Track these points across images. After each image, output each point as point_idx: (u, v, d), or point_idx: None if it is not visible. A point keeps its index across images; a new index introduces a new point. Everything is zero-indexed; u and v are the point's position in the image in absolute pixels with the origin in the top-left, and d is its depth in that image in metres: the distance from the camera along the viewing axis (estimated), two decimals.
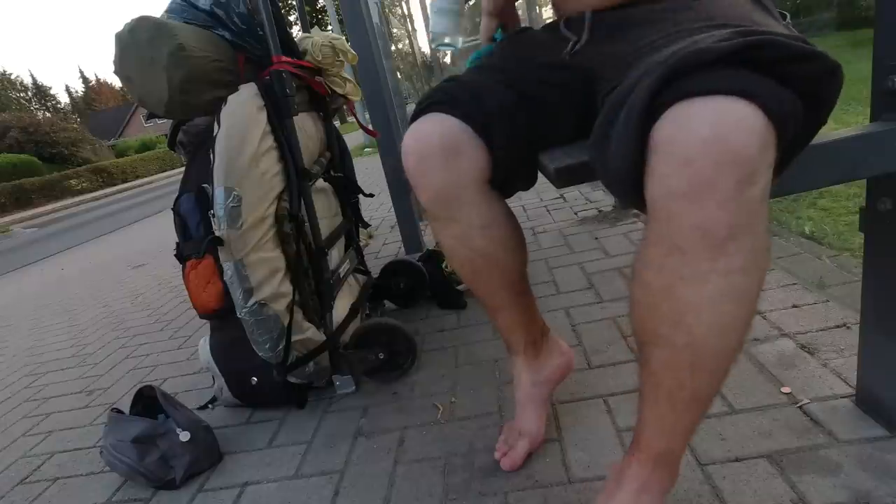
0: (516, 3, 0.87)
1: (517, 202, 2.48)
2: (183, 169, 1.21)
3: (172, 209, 1.14)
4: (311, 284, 1.17)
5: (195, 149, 1.18)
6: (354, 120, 1.70)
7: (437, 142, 0.67)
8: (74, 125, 26.10)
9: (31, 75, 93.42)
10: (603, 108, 0.51)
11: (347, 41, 1.35)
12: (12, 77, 62.04)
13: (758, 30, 0.46)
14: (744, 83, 0.43)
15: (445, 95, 0.70)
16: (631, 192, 0.49)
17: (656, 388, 0.55)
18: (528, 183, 0.77)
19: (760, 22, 0.56)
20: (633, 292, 0.53)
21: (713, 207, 0.43)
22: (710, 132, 0.42)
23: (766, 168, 0.43)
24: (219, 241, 1.02)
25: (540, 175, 0.74)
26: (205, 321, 1.22)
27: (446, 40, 0.92)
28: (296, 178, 1.11)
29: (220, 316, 1.13)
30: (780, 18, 0.62)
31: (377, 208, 3.16)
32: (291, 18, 11.96)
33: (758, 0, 0.62)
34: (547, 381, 0.88)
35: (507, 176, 0.73)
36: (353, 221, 1.50)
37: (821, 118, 0.49)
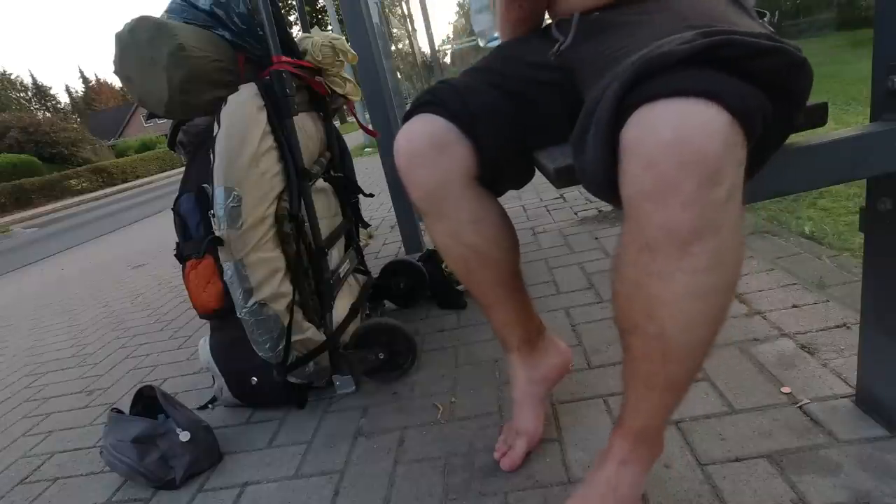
0: None
1: (517, 202, 2.48)
2: (183, 169, 1.21)
3: (172, 209, 1.14)
4: (311, 284, 1.17)
5: (195, 149, 1.18)
6: (354, 120, 1.70)
7: (426, 141, 0.70)
8: (74, 125, 26.09)
9: (31, 75, 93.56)
10: (580, 114, 0.53)
11: (347, 41, 1.35)
12: (12, 77, 62.04)
13: (720, 29, 0.47)
14: (705, 83, 0.43)
15: (434, 97, 0.72)
16: (608, 193, 0.51)
17: (634, 373, 0.58)
18: (520, 182, 0.79)
19: (735, 21, 0.57)
20: (614, 283, 0.55)
21: (677, 208, 0.44)
22: (672, 134, 0.43)
23: (731, 167, 0.44)
24: (219, 241, 1.02)
25: (540, 175, 0.74)
26: (205, 321, 1.22)
27: (496, 34, 0.89)
28: (296, 178, 1.11)
29: (220, 316, 1.13)
30: (757, 17, 0.63)
31: (377, 208, 3.16)
32: (291, 18, 11.96)
33: (739, 5, 0.62)
34: (543, 380, 0.88)
35: (496, 174, 0.74)
36: (353, 221, 1.50)
37: (796, 111, 0.50)
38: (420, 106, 0.73)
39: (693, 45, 0.44)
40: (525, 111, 0.72)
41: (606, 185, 0.50)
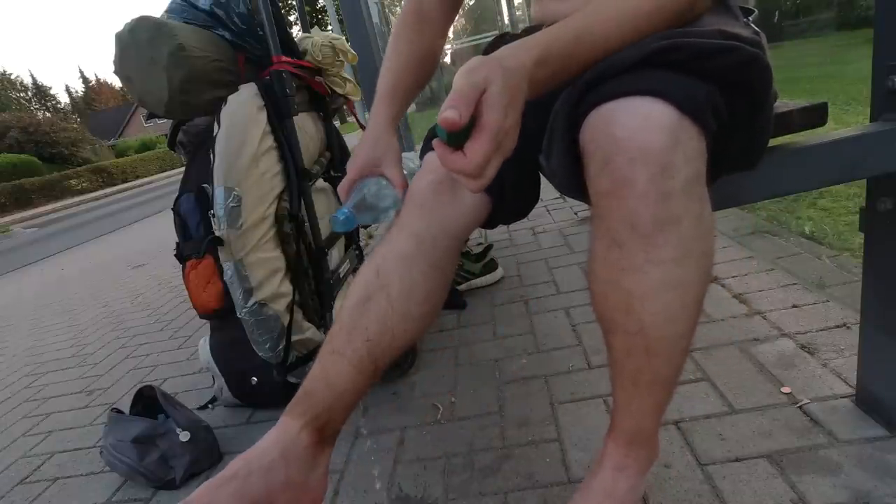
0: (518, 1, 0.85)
1: None
2: (183, 169, 1.21)
3: (172, 209, 1.14)
4: (311, 284, 1.17)
5: (195, 149, 1.18)
6: (354, 120, 1.70)
7: (440, 186, 0.64)
8: (74, 125, 26.14)
9: (31, 75, 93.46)
10: (548, 124, 0.54)
11: (347, 41, 1.35)
12: (12, 77, 62.08)
13: (672, 33, 0.48)
14: (650, 82, 0.46)
15: None
16: (578, 194, 0.52)
17: (621, 373, 0.57)
18: (517, 217, 0.74)
19: (715, 25, 0.58)
20: (589, 284, 0.55)
21: (634, 202, 0.46)
22: (622, 132, 0.45)
23: (684, 160, 0.45)
24: (219, 241, 1.02)
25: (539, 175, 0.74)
26: (205, 321, 1.22)
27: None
28: (296, 178, 1.11)
29: (220, 316, 1.13)
30: (741, 16, 0.63)
31: None
32: (291, 18, 11.96)
33: (725, 6, 0.63)
34: (285, 485, 0.58)
35: (500, 216, 0.71)
36: None
37: (759, 105, 0.52)
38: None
39: (642, 50, 0.47)
40: (538, 140, 0.64)
41: (574, 187, 0.52)
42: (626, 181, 0.45)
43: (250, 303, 1.05)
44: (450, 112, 0.40)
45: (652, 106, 0.45)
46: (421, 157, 0.72)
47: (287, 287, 1.10)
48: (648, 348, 0.52)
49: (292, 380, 1.14)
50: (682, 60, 0.46)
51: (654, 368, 0.54)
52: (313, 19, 17.64)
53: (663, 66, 0.47)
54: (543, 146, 0.55)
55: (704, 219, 0.48)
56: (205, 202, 1.07)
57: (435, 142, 0.45)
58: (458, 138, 0.43)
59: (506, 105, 0.43)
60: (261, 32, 1.06)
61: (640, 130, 0.44)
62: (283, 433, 0.61)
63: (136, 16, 1.03)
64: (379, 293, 0.62)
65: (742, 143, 0.55)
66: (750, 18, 0.63)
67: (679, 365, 0.55)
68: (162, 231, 4.91)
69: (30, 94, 63.39)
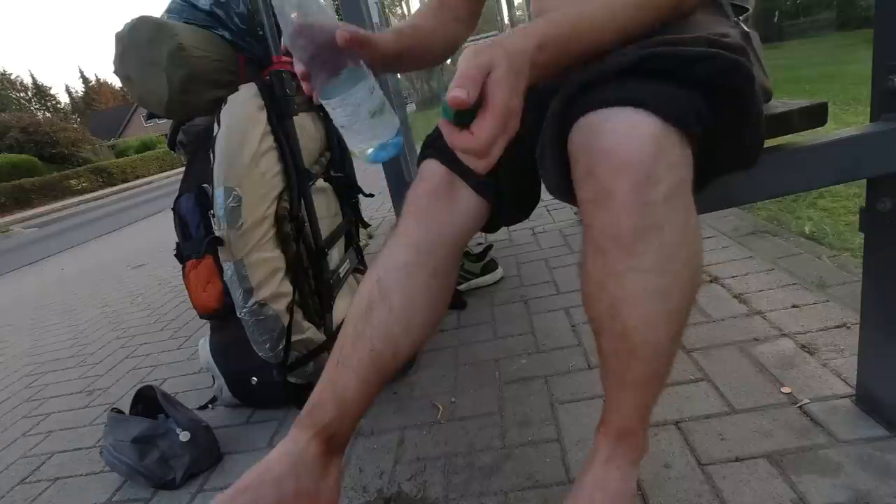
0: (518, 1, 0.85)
1: None
2: (183, 169, 1.21)
3: (172, 209, 1.14)
4: (311, 284, 1.17)
5: (195, 149, 1.18)
6: None
7: (438, 190, 0.66)
8: (74, 125, 26.19)
9: (31, 75, 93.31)
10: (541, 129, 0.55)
11: None
12: (12, 77, 62.04)
13: (655, 42, 0.49)
14: (633, 92, 0.46)
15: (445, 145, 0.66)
16: (568, 198, 0.53)
17: (608, 373, 0.58)
18: (517, 220, 0.76)
19: (704, 25, 0.58)
20: (581, 285, 0.56)
21: (616, 211, 0.46)
22: (603, 143, 0.46)
23: (667, 168, 0.45)
24: (219, 241, 1.02)
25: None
26: (205, 321, 1.22)
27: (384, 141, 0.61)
28: (296, 178, 1.11)
29: (220, 316, 1.13)
30: (732, 16, 0.63)
31: (377, 208, 3.15)
32: None
33: (716, 4, 0.63)
34: (296, 494, 0.58)
35: (499, 220, 0.73)
36: (353, 221, 1.50)
37: (745, 111, 0.52)
38: (436, 153, 0.67)
39: (622, 60, 0.48)
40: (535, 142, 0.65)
41: (565, 191, 0.53)
42: (607, 191, 0.46)
43: (250, 303, 1.05)
44: (458, 91, 0.42)
45: (633, 116, 0.45)
46: (417, 165, 0.72)
47: (287, 287, 1.10)
48: (632, 351, 0.53)
49: (292, 380, 1.14)
50: (665, 68, 0.47)
51: (638, 370, 0.55)
52: None
53: (647, 73, 0.47)
54: (537, 152, 0.56)
55: (689, 226, 0.48)
56: (205, 202, 1.07)
57: (441, 122, 0.45)
58: (464, 118, 0.44)
59: (511, 85, 0.44)
60: (261, 32, 1.06)
61: (621, 142, 0.45)
62: (292, 444, 0.62)
63: (136, 16, 1.03)
64: (381, 304, 0.63)
65: (733, 146, 0.55)
66: (741, 18, 0.63)
67: (664, 368, 0.56)
68: (162, 231, 4.91)
69: (30, 94, 63.31)
